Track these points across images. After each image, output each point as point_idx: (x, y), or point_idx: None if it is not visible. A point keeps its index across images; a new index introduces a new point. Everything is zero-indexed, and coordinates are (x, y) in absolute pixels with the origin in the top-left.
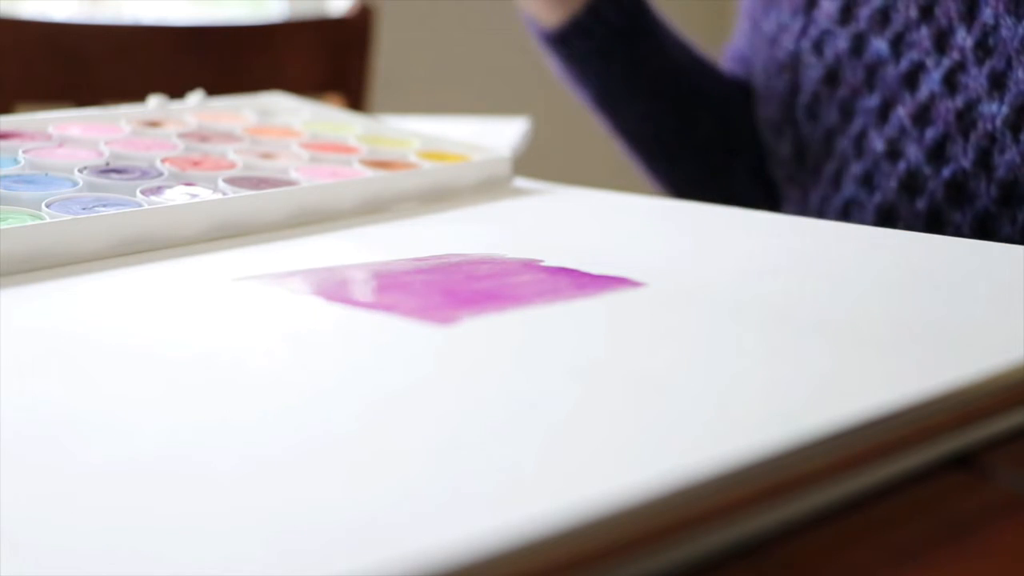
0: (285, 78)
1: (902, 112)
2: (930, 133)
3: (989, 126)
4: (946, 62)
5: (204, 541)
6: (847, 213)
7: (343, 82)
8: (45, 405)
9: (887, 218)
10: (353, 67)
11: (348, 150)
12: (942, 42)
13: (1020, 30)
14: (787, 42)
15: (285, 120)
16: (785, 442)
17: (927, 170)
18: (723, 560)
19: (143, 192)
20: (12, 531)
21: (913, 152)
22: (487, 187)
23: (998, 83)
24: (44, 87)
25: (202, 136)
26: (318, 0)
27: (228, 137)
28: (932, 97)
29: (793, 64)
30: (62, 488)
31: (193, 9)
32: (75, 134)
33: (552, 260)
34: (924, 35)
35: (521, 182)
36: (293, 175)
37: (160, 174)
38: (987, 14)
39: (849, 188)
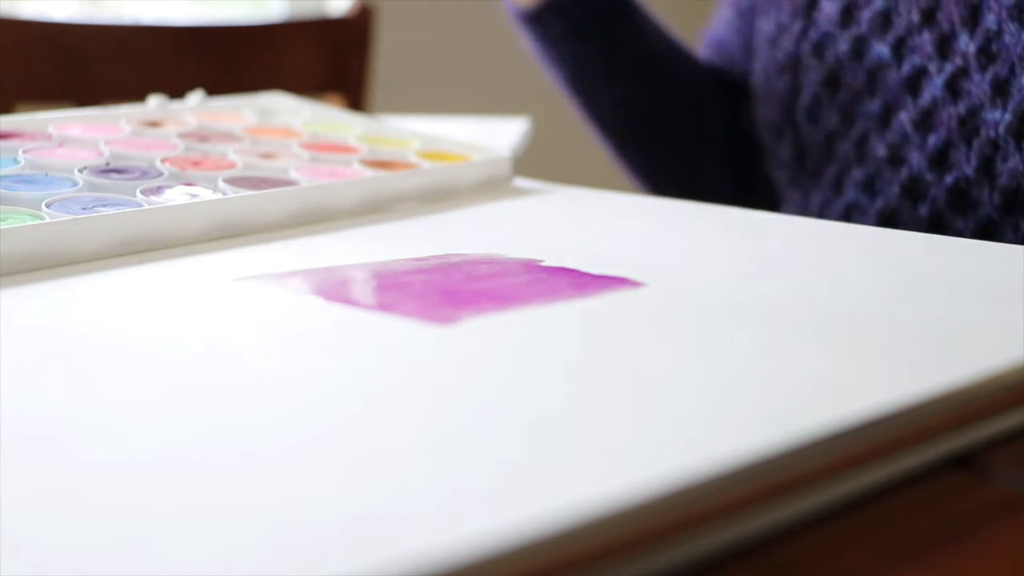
0: (285, 78)
1: (904, 117)
2: (932, 139)
3: (992, 133)
4: (948, 68)
5: (203, 540)
6: (848, 217)
7: (343, 82)
8: (45, 405)
9: (889, 224)
10: (353, 67)
11: (348, 150)
12: (944, 47)
13: (1023, 37)
14: (787, 43)
15: (285, 120)
16: (785, 442)
17: (929, 176)
18: (722, 560)
19: (143, 192)
20: (12, 531)
21: (915, 158)
22: (487, 187)
23: (1001, 90)
24: (44, 87)
25: (202, 136)
26: (318, 0)
27: (228, 137)
28: (934, 103)
29: (793, 66)
30: (62, 488)
31: (193, 9)
32: (75, 134)
33: (552, 260)
34: (926, 40)
35: (521, 182)
36: (293, 175)
37: (160, 174)
38: (990, 20)
39: (850, 193)
